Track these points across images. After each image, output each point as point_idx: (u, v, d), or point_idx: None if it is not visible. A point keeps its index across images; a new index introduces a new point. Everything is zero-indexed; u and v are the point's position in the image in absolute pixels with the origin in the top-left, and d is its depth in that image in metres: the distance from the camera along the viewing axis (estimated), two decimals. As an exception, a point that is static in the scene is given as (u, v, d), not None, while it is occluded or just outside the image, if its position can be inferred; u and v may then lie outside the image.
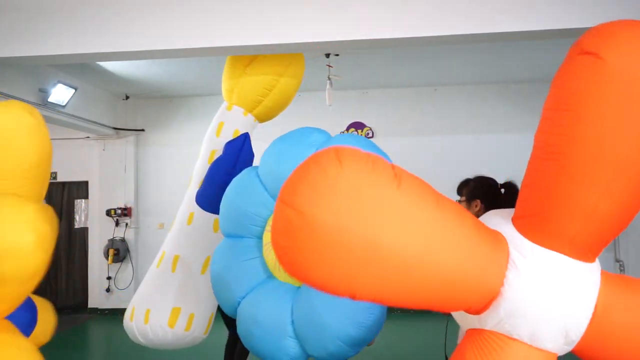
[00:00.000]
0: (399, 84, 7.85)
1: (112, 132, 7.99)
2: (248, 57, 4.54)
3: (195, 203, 4.07)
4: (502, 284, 1.48)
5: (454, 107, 7.91)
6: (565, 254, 1.48)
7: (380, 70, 7.08)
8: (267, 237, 3.36)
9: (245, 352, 4.24)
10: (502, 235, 1.54)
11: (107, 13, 4.30)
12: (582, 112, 1.36)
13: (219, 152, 4.31)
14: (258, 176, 3.38)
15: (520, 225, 1.55)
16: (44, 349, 5.48)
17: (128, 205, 8.08)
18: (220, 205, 3.57)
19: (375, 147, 3.05)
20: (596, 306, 1.50)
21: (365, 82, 7.71)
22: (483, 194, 2.38)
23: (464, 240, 1.45)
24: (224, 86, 4.50)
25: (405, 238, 1.36)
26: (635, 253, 7.12)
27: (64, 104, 6.49)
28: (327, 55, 5.90)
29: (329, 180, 1.27)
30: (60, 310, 8.48)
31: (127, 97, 8.18)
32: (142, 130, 8.26)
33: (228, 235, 3.53)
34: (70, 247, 8.45)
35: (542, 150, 1.49)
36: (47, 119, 6.59)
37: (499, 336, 1.53)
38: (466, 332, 1.63)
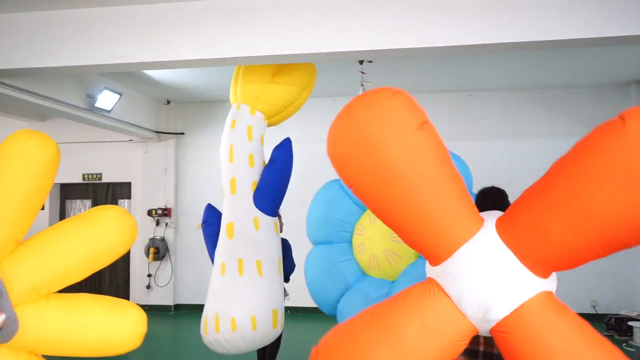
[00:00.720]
0: (433, 90, 7.89)
1: (153, 135, 8.33)
2: (274, 66, 4.73)
3: (255, 207, 4.15)
4: (459, 247, 1.92)
5: (488, 113, 7.90)
6: (518, 255, 1.87)
7: (413, 76, 7.15)
8: (356, 240, 3.89)
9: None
10: (483, 220, 1.97)
11: (151, 25, 4.54)
12: (585, 159, 1.74)
13: (256, 155, 4.49)
14: (342, 187, 3.95)
15: (501, 220, 1.97)
16: None
17: (168, 206, 8.40)
18: (307, 217, 4.12)
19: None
20: (521, 307, 1.86)
21: (399, 86, 7.77)
22: (477, 201, 2.62)
23: (454, 198, 1.93)
24: (247, 90, 4.60)
25: (409, 162, 1.87)
26: None
27: (109, 109, 6.83)
28: (361, 62, 6.02)
29: (379, 106, 1.92)
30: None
31: (168, 102, 8.52)
32: (182, 133, 8.57)
33: (318, 243, 4.05)
34: (113, 245, 8.83)
35: (547, 176, 1.87)
36: (94, 123, 7.01)
37: (438, 287, 1.98)
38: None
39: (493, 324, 1.91)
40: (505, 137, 7.78)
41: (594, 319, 7.25)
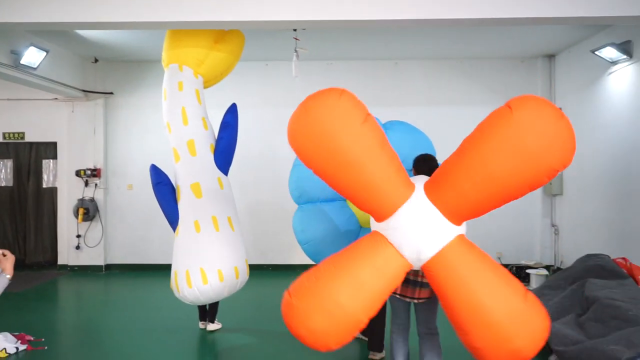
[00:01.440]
0: (362, 57, 8.25)
1: (81, 94, 8.13)
2: (215, 32, 4.87)
3: (217, 169, 4.45)
4: (398, 208, 2.75)
5: (412, 80, 8.39)
6: (440, 210, 2.72)
7: (344, 44, 7.46)
8: None
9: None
10: (414, 185, 2.81)
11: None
12: (485, 137, 2.53)
13: (206, 118, 4.70)
14: None
15: (429, 185, 2.79)
16: (17, 300, 6.01)
17: (97, 167, 8.30)
18: (293, 176, 4.32)
19: (416, 131, 4.56)
20: (443, 248, 2.73)
21: (330, 54, 8.07)
22: (414, 165, 3.53)
23: (391, 172, 2.71)
24: (191, 54, 4.76)
25: (356, 152, 2.60)
26: (566, 220, 7.90)
27: (35, 67, 6.61)
28: (295, 29, 6.22)
29: (328, 104, 2.60)
30: (29, 266, 8.77)
31: (96, 60, 8.30)
32: (111, 93, 8.41)
33: (311, 202, 4.25)
34: (38, 206, 8.63)
35: (459, 149, 2.66)
36: (19, 81, 6.81)
37: (383, 237, 2.79)
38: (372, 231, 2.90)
39: (424, 262, 2.77)
40: (429, 103, 8.32)
41: (499, 269, 8.15)
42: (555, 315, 4.53)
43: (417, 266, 2.83)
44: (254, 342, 4.91)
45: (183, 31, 4.81)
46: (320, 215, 4.16)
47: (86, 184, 8.28)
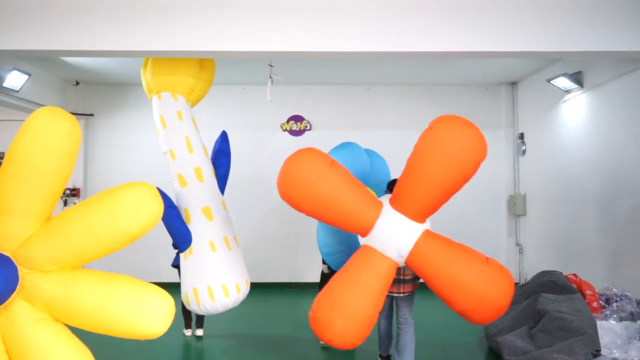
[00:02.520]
0: (336, 82, 8.62)
1: (61, 115, 8.31)
2: (198, 61, 5.15)
3: (219, 192, 4.90)
4: (374, 223, 3.67)
5: (383, 105, 8.77)
6: (405, 215, 3.67)
7: (319, 69, 7.81)
8: None
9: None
10: (381, 203, 3.75)
11: (69, 13, 4.73)
12: (419, 152, 3.58)
13: (203, 145, 5.03)
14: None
15: (392, 199, 3.75)
16: None
17: (76, 186, 8.46)
18: None
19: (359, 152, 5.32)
20: (416, 242, 3.63)
21: (305, 79, 8.42)
22: (390, 187, 4.52)
23: (361, 198, 3.69)
24: (182, 82, 5.02)
25: (330, 191, 3.58)
26: (529, 239, 8.29)
27: (17, 89, 6.81)
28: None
29: (302, 161, 3.66)
30: None
31: (77, 83, 8.52)
32: (91, 115, 8.63)
33: None
34: (16, 225, 8.71)
35: (406, 166, 3.66)
36: (2, 103, 6.96)
37: (370, 248, 3.72)
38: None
39: (406, 258, 3.67)
40: (399, 127, 8.68)
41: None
42: (510, 327, 4.85)
43: (401, 263, 3.74)
44: (239, 346, 5.12)
45: (171, 58, 5.02)
46: (339, 230, 4.62)
47: (65, 203, 8.42)
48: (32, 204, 2.67)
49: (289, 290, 8.36)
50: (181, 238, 4.67)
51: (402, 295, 4.37)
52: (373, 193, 4.12)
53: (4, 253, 2.67)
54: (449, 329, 6.07)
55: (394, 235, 3.64)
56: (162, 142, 4.96)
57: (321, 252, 4.96)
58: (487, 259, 3.62)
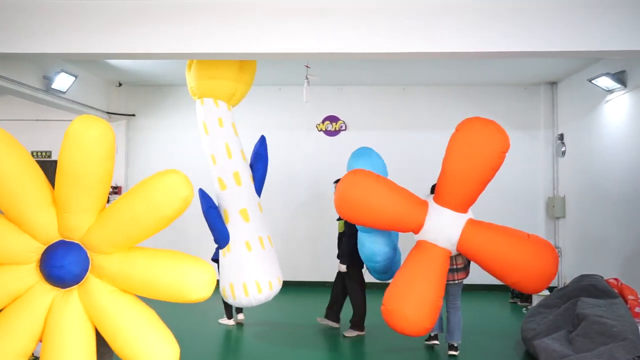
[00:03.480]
0: (371, 82, 8.64)
1: (105, 116, 8.61)
2: (238, 63, 5.27)
3: (256, 194, 5.13)
4: (424, 220, 4.46)
5: (419, 106, 8.74)
6: (450, 208, 4.42)
7: (354, 70, 7.85)
8: None
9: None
10: (426, 202, 4.55)
11: (114, 17, 4.91)
12: (450, 150, 4.38)
13: (242, 149, 5.25)
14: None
15: (435, 196, 4.53)
16: None
17: (118, 184, 8.74)
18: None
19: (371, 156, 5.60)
20: (463, 229, 4.37)
21: (341, 80, 8.47)
22: (432, 190, 4.96)
23: (408, 201, 4.52)
24: (224, 88, 5.17)
25: (381, 202, 4.43)
26: (568, 242, 8.11)
27: (64, 90, 7.10)
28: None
29: (352, 183, 4.52)
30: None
31: (120, 84, 8.81)
32: (133, 115, 8.90)
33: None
34: (62, 221, 9.07)
35: (442, 167, 4.44)
36: (49, 104, 7.30)
37: (424, 241, 4.48)
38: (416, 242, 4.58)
39: (456, 245, 4.38)
40: (434, 127, 8.63)
41: (503, 289, 8.35)
42: (548, 331, 4.78)
43: (453, 251, 4.47)
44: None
45: (212, 61, 5.13)
46: (381, 238, 5.19)
47: (108, 200, 8.68)
48: (86, 201, 3.16)
49: (318, 289, 8.42)
50: (220, 236, 4.89)
51: (456, 282, 4.97)
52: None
53: (75, 241, 3.25)
54: (485, 332, 6.02)
55: (442, 227, 4.40)
56: (205, 146, 5.20)
57: (374, 263, 5.31)
58: (528, 235, 4.35)
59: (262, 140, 5.45)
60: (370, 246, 5.26)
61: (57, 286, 3.23)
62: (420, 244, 4.50)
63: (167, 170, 3.30)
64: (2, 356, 3.15)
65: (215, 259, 5.54)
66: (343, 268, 5.77)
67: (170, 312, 6.79)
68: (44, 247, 3.25)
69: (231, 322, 6.33)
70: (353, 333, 5.71)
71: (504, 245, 4.27)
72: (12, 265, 3.24)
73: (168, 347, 3.22)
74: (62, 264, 3.16)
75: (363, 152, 5.61)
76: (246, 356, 5.36)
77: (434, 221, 4.39)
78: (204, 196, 5.12)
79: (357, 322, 5.77)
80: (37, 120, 8.78)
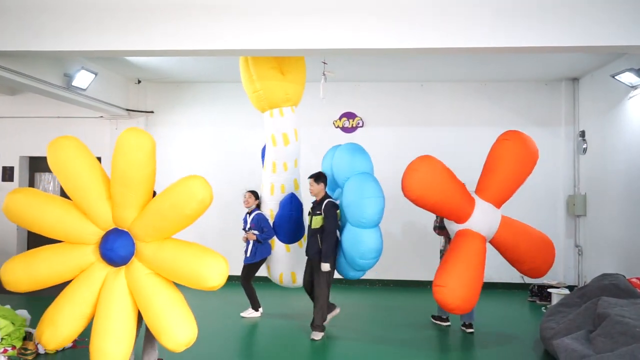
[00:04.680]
0: (389, 79, 8.59)
1: (124, 113, 8.70)
2: (275, 62, 5.91)
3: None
4: (472, 212, 5.26)
5: (437, 102, 8.67)
6: (492, 204, 5.36)
7: (371, 66, 7.81)
8: None
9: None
10: (473, 198, 5.33)
11: (133, 15, 4.96)
12: (498, 157, 5.44)
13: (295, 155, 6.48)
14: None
15: (479, 192, 5.41)
16: None
17: (137, 181, 8.82)
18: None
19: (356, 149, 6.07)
20: (500, 222, 5.34)
21: (358, 76, 8.44)
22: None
23: (464, 194, 5.26)
24: (294, 95, 6.19)
25: (448, 190, 5.14)
26: (589, 241, 7.98)
27: (85, 88, 7.18)
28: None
29: (426, 165, 5.10)
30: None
31: (139, 82, 8.89)
32: (152, 112, 8.98)
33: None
34: (82, 216, 9.21)
35: (489, 170, 5.45)
36: (69, 101, 7.39)
37: (469, 230, 5.26)
38: (456, 232, 5.35)
39: (492, 236, 5.33)
40: (454, 124, 8.56)
41: (522, 288, 8.25)
42: (568, 330, 4.71)
43: (488, 239, 5.34)
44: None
45: (280, 73, 5.97)
46: (379, 234, 5.65)
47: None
48: (130, 197, 3.84)
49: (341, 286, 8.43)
50: (299, 234, 6.36)
51: None
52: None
53: (125, 230, 3.95)
54: (504, 330, 5.96)
55: (488, 219, 5.26)
56: (273, 154, 6.28)
57: (368, 259, 5.50)
58: (534, 230, 5.60)
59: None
60: (370, 242, 5.39)
61: (110, 265, 3.95)
62: (465, 232, 5.23)
63: (190, 176, 3.84)
64: (68, 317, 3.93)
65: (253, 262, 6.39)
66: (326, 267, 5.46)
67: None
68: (103, 232, 3.98)
69: (258, 313, 6.50)
70: (319, 335, 5.52)
71: (524, 238, 5.40)
72: (79, 245, 4.01)
73: (188, 327, 3.82)
74: (113, 247, 3.88)
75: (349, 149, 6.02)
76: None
77: (481, 213, 5.22)
78: (296, 202, 6.37)
79: (321, 323, 5.58)
80: (58, 117, 8.90)
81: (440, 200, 5.08)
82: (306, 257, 5.83)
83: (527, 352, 5.19)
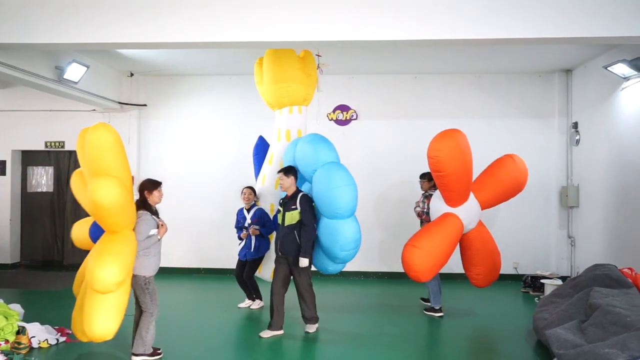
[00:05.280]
0: (383, 71, 8.57)
1: (117, 106, 8.66)
2: (289, 57, 6.13)
3: None
4: (465, 201, 5.85)
5: (431, 94, 8.66)
6: (480, 203, 6.02)
7: (365, 58, 7.79)
8: None
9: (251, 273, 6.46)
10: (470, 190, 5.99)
11: (124, 7, 4.91)
12: (502, 171, 6.29)
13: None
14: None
15: (476, 191, 6.04)
16: (57, 297, 6.64)
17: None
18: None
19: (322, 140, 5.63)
20: (478, 223, 6.12)
21: (352, 69, 8.41)
22: (430, 177, 6.32)
23: (469, 184, 5.87)
24: (296, 93, 6.39)
25: (469, 162, 5.77)
26: (582, 232, 8.03)
27: (77, 81, 7.13)
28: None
29: (459, 133, 5.69)
30: (67, 267, 9.26)
31: (131, 75, 8.83)
32: (145, 105, 8.93)
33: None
34: (76, 210, 9.16)
35: (490, 175, 6.27)
36: (61, 94, 7.35)
37: (454, 214, 5.78)
38: (443, 212, 5.83)
39: (469, 229, 5.96)
40: (446, 116, 8.55)
41: (515, 278, 8.30)
42: (560, 321, 4.74)
43: (465, 230, 5.86)
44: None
45: (291, 67, 6.17)
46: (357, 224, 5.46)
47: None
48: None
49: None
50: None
51: None
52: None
53: None
54: (497, 322, 6.00)
55: (473, 214, 5.87)
56: (276, 148, 6.42)
57: (348, 250, 5.26)
58: (493, 242, 6.25)
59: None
60: (348, 233, 5.17)
61: None
62: (450, 215, 5.75)
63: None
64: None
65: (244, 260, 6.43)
66: (306, 262, 5.24)
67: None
68: None
69: (247, 303, 6.56)
70: (314, 327, 5.54)
71: (487, 246, 6.12)
72: None
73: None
74: None
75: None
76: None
77: (470, 206, 5.83)
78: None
79: (315, 314, 5.54)
80: (50, 110, 8.85)
81: (455, 173, 5.48)
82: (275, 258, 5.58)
83: (520, 342, 5.23)
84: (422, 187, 6.55)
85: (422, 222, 6.37)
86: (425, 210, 6.25)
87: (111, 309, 4.25)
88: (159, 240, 4.59)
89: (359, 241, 5.33)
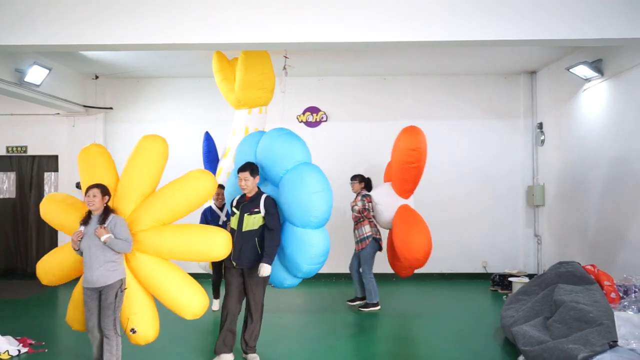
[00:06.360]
0: (352, 73, 8.60)
1: (82, 109, 8.46)
2: (259, 66, 6.33)
3: None
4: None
5: (400, 96, 8.73)
6: (395, 192, 6.68)
7: (335, 60, 7.80)
8: None
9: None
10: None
11: (89, 8, 4.80)
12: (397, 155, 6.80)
13: None
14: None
15: (391, 181, 6.77)
16: (20, 306, 6.40)
17: (97, 179, 8.59)
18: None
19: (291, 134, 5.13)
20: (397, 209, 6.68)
21: (321, 71, 8.42)
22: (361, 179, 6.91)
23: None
24: (270, 95, 6.73)
25: (422, 165, 6.53)
26: (548, 230, 8.20)
27: (38, 84, 6.94)
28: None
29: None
30: (30, 275, 8.99)
31: (96, 77, 8.65)
32: (111, 108, 8.76)
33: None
34: (39, 217, 8.89)
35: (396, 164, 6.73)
36: (22, 97, 7.14)
37: (406, 204, 6.66)
38: (400, 205, 6.62)
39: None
40: (416, 117, 8.58)
41: (484, 277, 8.41)
42: (526, 318, 4.82)
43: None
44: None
45: (254, 73, 6.38)
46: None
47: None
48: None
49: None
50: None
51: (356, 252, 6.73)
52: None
53: None
54: (466, 319, 6.07)
55: (387, 201, 6.62)
56: (233, 142, 6.51)
57: (318, 264, 4.62)
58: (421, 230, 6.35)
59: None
60: (319, 245, 4.57)
61: None
62: (411, 207, 6.59)
63: (197, 170, 4.83)
64: None
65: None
66: (268, 270, 4.50)
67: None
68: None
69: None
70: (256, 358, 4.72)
71: (407, 228, 6.42)
72: None
73: (199, 297, 4.38)
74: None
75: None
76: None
77: (383, 193, 6.73)
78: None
79: (256, 343, 4.76)
80: (11, 114, 8.60)
81: (423, 165, 6.30)
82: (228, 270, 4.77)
83: (488, 340, 5.30)
84: (353, 189, 6.82)
85: (359, 221, 6.58)
86: (366, 207, 6.55)
87: (189, 285, 4.44)
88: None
89: (327, 255, 4.70)
